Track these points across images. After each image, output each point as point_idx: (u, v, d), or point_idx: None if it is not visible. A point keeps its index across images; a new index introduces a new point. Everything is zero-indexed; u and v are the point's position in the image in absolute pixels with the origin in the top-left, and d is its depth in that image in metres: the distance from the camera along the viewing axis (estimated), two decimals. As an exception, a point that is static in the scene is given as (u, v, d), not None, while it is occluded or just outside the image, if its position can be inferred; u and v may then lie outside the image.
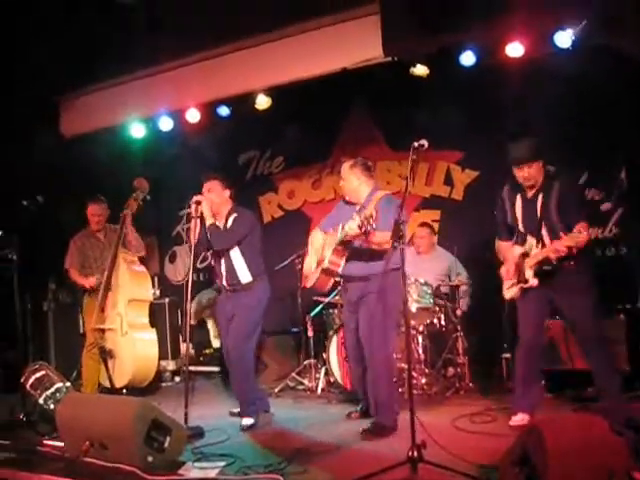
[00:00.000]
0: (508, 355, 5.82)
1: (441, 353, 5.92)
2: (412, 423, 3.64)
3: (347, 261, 4.71)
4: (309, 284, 5.00)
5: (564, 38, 5.57)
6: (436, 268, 6.39)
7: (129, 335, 6.13)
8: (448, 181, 7.13)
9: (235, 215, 5.22)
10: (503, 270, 4.77)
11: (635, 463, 2.98)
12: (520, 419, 4.57)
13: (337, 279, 4.99)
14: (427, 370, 5.82)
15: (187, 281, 5.06)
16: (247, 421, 5.02)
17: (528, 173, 4.50)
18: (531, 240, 4.56)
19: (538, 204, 4.55)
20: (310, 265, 5.02)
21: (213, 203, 5.20)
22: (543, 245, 4.49)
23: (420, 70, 6.33)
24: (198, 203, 5.10)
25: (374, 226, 4.18)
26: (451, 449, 3.77)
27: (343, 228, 4.58)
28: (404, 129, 6.58)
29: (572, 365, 5.41)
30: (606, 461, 2.90)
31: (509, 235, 4.79)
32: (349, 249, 4.72)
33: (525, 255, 4.57)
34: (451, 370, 6.01)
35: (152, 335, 6.39)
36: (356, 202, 4.88)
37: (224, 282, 5.25)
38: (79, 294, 6.67)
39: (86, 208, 6.53)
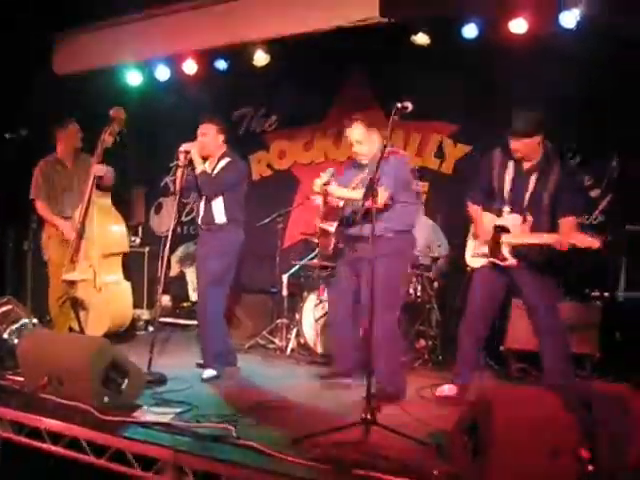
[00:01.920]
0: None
1: (414, 324, 5.89)
2: (368, 385, 3.61)
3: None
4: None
5: (569, 18, 5.51)
6: (418, 237, 6.29)
7: (104, 291, 5.88)
8: (439, 154, 7.05)
9: (226, 161, 5.17)
10: (472, 233, 4.65)
11: (584, 441, 2.95)
12: (447, 390, 4.56)
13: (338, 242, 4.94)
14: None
15: (169, 230, 5.02)
16: (209, 372, 4.99)
17: (522, 146, 4.28)
18: (514, 216, 4.37)
19: (531, 181, 4.35)
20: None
21: (205, 146, 5.15)
22: (528, 226, 4.31)
23: (421, 39, 6.31)
24: (186, 152, 5.07)
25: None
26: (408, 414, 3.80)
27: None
28: (401, 98, 6.48)
29: (516, 345, 5.40)
30: (554, 438, 2.87)
31: (482, 199, 4.61)
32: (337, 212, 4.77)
33: (503, 229, 4.39)
34: (422, 342, 5.97)
35: (127, 285, 6.19)
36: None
37: (200, 220, 5.23)
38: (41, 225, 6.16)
39: (60, 131, 5.93)
